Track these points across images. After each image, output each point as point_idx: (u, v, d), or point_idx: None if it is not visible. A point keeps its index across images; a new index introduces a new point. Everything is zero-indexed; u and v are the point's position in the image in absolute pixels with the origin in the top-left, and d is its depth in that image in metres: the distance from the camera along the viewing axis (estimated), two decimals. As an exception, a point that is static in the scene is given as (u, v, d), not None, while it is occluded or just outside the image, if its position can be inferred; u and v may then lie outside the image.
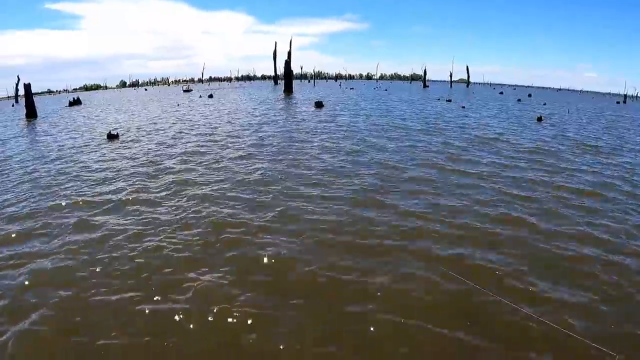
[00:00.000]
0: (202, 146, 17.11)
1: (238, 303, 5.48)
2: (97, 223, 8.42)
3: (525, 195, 10.22)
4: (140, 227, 8.13)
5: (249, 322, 5.12)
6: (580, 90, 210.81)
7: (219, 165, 13.47)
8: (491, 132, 21.44)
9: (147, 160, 14.58)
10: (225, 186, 10.91)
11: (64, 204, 9.75)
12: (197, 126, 23.85)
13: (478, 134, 20.65)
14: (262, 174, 12.18)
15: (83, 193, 10.63)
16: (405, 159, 14.34)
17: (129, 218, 8.70)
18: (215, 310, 5.32)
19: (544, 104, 54.79)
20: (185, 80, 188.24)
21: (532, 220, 8.49)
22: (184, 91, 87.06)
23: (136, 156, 15.36)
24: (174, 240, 7.47)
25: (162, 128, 23.50)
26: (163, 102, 50.53)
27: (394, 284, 6.00)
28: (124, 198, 10.04)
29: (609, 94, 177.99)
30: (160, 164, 13.82)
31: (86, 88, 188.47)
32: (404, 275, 6.23)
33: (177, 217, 8.67)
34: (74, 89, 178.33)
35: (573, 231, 8.02)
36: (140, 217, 8.71)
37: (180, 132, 21.35)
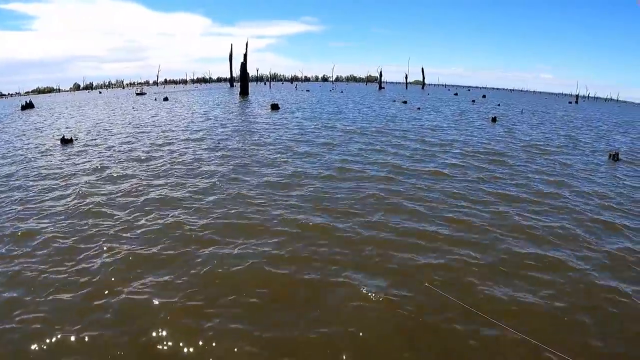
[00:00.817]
0: (153, 150, 17.63)
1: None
2: (38, 229, 8.81)
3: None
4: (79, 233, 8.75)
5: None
6: (534, 91, 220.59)
7: (167, 169, 14.07)
8: (446, 135, 22.76)
9: (99, 164, 14.91)
10: (169, 189, 11.62)
11: (8, 209, 10.12)
12: (149, 130, 24.14)
13: (433, 139, 21.45)
14: (207, 178, 12.93)
15: (30, 199, 10.97)
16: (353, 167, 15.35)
17: (72, 223, 9.17)
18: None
19: (498, 105, 57.78)
20: (140, 83, 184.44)
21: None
22: (137, 94, 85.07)
23: (89, 160, 15.69)
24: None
25: (116, 132, 23.62)
26: (118, 106, 49.80)
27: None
28: (71, 203, 10.46)
29: (562, 94, 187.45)
30: (112, 168, 14.26)
31: (39, 91, 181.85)
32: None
33: (132, 219, 9.33)
34: (26, 92, 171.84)
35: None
36: (86, 221, 9.27)
37: (133, 137, 21.61)
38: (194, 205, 9.74)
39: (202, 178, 12.40)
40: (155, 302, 5.79)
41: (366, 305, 5.73)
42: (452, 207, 9.93)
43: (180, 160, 15.19)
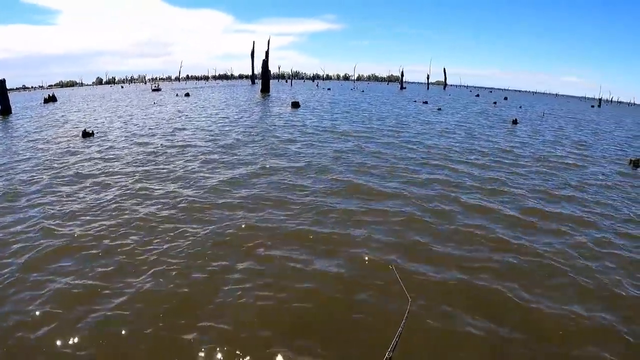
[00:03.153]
0: (169, 145, 17.43)
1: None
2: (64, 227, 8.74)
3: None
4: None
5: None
6: (556, 94, 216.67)
7: (181, 162, 13.87)
8: (467, 138, 22.05)
9: (118, 157, 14.86)
10: (176, 185, 11.36)
11: (25, 201, 10.02)
12: (170, 125, 24.07)
13: (453, 142, 21.05)
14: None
15: (52, 191, 10.90)
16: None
17: (88, 219, 9.05)
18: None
19: (520, 107, 56.39)
20: (161, 79, 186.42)
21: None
22: (153, 90, 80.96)
23: (109, 154, 15.62)
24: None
25: (136, 126, 23.62)
26: (139, 101, 50.20)
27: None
28: (94, 196, 10.37)
29: (585, 97, 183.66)
30: (133, 162, 14.12)
31: (62, 85, 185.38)
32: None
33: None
34: (49, 86, 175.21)
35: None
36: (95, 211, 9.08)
37: (154, 130, 21.57)
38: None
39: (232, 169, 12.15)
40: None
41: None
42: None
43: (200, 151, 14.99)
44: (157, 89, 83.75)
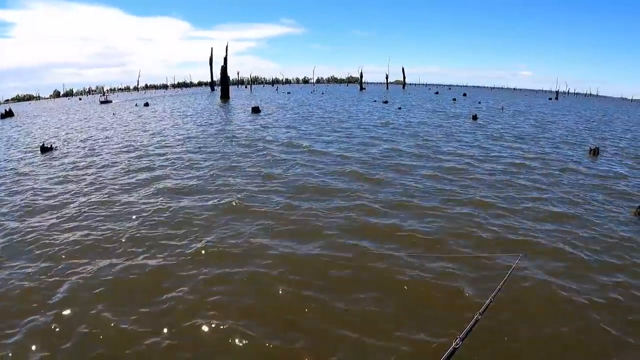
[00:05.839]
0: (126, 157, 17.85)
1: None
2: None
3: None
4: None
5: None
6: (514, 88, 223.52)
7: (141, 176, 14.33)
8: (426, 135, 23.11)
9: (75, 170, 15.22)
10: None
11: None
12: (128, 137, 24.24)
13: (411, 141, 22.15)
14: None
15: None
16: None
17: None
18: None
19: (479, 102, 58.52)
20: (120, 89, 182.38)
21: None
22: (101, 103, 73.74)
23: (67, 169, 15.86)
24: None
25: (96, 138, 23.68)
26: (94, 112, 49.45)
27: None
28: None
29: (542, 90, 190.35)
30: (95, 174, 14.49)
31: (18, 99, 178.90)
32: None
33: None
34: (5, 100, 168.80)
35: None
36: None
37: (111, 142, 21.77)
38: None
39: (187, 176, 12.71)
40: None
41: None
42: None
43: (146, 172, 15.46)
44: (107, 101, 75.65)
